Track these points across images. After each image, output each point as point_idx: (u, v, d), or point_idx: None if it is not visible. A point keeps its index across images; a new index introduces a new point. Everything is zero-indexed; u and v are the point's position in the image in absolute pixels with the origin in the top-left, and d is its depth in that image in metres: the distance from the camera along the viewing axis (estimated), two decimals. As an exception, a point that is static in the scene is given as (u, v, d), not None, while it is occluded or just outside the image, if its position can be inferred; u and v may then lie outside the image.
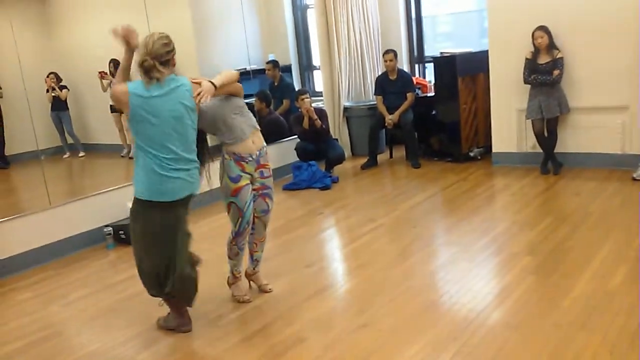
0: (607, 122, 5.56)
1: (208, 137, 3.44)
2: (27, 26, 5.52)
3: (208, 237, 5.03)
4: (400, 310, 3.27)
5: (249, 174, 3.41)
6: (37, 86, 5.49)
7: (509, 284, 3.46)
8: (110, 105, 6.03)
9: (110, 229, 4.99)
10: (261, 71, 7.29)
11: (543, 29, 5.47)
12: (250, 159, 3.39)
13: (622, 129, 5.50)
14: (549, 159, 5.77)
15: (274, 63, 7.27)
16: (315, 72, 8.22)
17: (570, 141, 5.81)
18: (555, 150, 5.76)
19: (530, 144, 6.03)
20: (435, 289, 3.61)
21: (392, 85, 6.85)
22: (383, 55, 6.91)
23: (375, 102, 7.08)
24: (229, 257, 3.57)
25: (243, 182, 3.37)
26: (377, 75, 7.22)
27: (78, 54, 5.94)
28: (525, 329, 2.93)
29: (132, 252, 3.25)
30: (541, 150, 5.83)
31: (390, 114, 6.78)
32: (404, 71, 7.14)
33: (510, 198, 5.22)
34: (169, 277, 3.14)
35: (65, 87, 5.69)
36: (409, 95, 6.80)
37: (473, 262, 3.87)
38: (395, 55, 6.80)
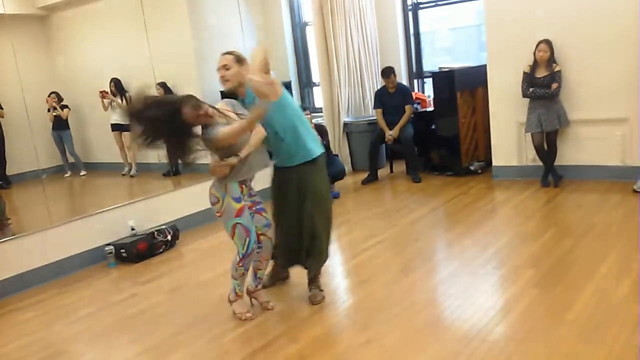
0: (607, 134, 5.58)
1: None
2: (28, 46, 5.56)
3: (209, 254, 5.03)
4: (404, 326, 3.26)
5: (244, 195, 3.50)
6: (39, 106, 5.51)
7: (512, 297, 3.45)
8: (112, 124, 6.06)
9: (112, 247, 4.99)
10: (261, 88, 7.31)
11: (547, 43, 5.50)
12: (249, 182, 3.52)
13: (622, 140, 5.52)
14: (549, 172, 5.78)
15: (274, 80, 7.31)
16: (314, 88, 8.27)
17: (570, 154, 5.83)
18: (555, 163, 5.78)
19: (530, 157, 6.04)
20: (438, 303, 3.60)
21: (391, 98, 6.88)
22: (383, 77, 6.91)
23: (375, 118, 7.11)
24: (234, 278, 3.56)
25: (244, 202, 3.44)
26: (375, 91, 7.26)
27: (79, 73, 5.98)
28: (529, 343, 2.91)
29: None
30: (541, 163, 5.84)
31: (390, 127, 6.81)
32: (403, 84, 7.18)
33: (511, 211, 5.21)
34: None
35: (66, 106, 5.72)
36: (407, 108, 6.83)
37: (476, 276, 3.86)
38: (394, 73, 6.84)
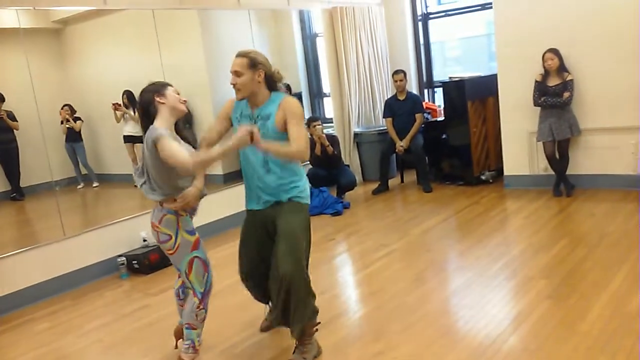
0: (620, 142, 5.55)
1: None
2: (42, 59, 5.62)
3: (221, 265, 5.04)
4: (416, 337, 3.24)
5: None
6: (52, 118, 5.57)
7: (525, 308, 3.43)
8: (124, 136, 6.11)
9: (124, 258, 5.01)
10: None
11: (553, 51, 5.50)
12: (195, 212, 3.15)
13: (635, 149, 5.48)
14: (562, 181, 5.75)
15: (286, 86, 7.31)
16: (325, 99, 8.29)
17: (582, 163, 5.80)
18: (567, 172, 5.75)
19: (542, 166, 6.02)
20: (451, 314, 3.59)
21: (402, 106, 6.90)
22: (393, 76, 6.99)
23: (385, 128, 7.12)
24: (192, 327, 3.09)
25: (197, 234, 3.08)
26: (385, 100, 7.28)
27: (92, 86, 6.04)
28: (543, 354, 2.89)
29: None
30: (553, 173, 5.82)
31: (400, 135, 6.82)
32: (413, 93, 7.20)
33: (523, 221, 5.19)
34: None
35: (79, 118, 5.77)
36: (418, 117, 6.85)
37: (488, 287, 3.84)
38: (405, 75, 6.88)
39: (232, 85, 2.94)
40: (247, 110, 3.02)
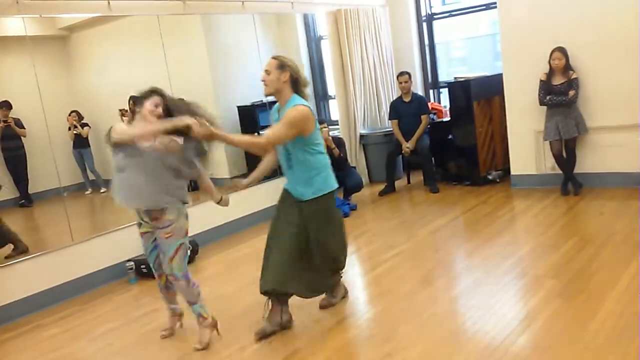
0: (626, 140, 5.52)
1: None
2: (49, 66, 5.65)
3: (229, 268, 5.05)
4: (425, 338, 3.24)
5: None
6: (59, 124, 5.60)
7: (534, 307, 3.42)
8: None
9: (132, 263, 5.03)
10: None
11: (561, 50, 5.48)
12: None
13: (641, 147, 5.46)
14: (569, 180, 5.73)
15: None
16: (330, 101, 8.30)
17: (589, 161, 5.77)
18: (574, 171, 5.73)
19: (549, 165, 6.00)
20: (459, 314, 3.58)
21: (407, 108, 6.90)
22: (398, 77, 7.00)
23: (391, 129, 7.12)
24: (194, 302, 3.50)
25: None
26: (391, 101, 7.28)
27: (99, 92, 6.07)
28: (552, 354, 2.88)
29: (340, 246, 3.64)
30: (560, 172, 5.80)
31: (406, 137, 6.82)
32: (418, 94, 7.20)
33: (531, 220, 5.17)
34: None
35: (86, 124, 5.80)
36: (424, 118, 6.85)
37: (497, 286, 3.83)
38: (410, 76, 6.89)
39: (262, 82, 3.40)
40: (276, 114, 3.48)
